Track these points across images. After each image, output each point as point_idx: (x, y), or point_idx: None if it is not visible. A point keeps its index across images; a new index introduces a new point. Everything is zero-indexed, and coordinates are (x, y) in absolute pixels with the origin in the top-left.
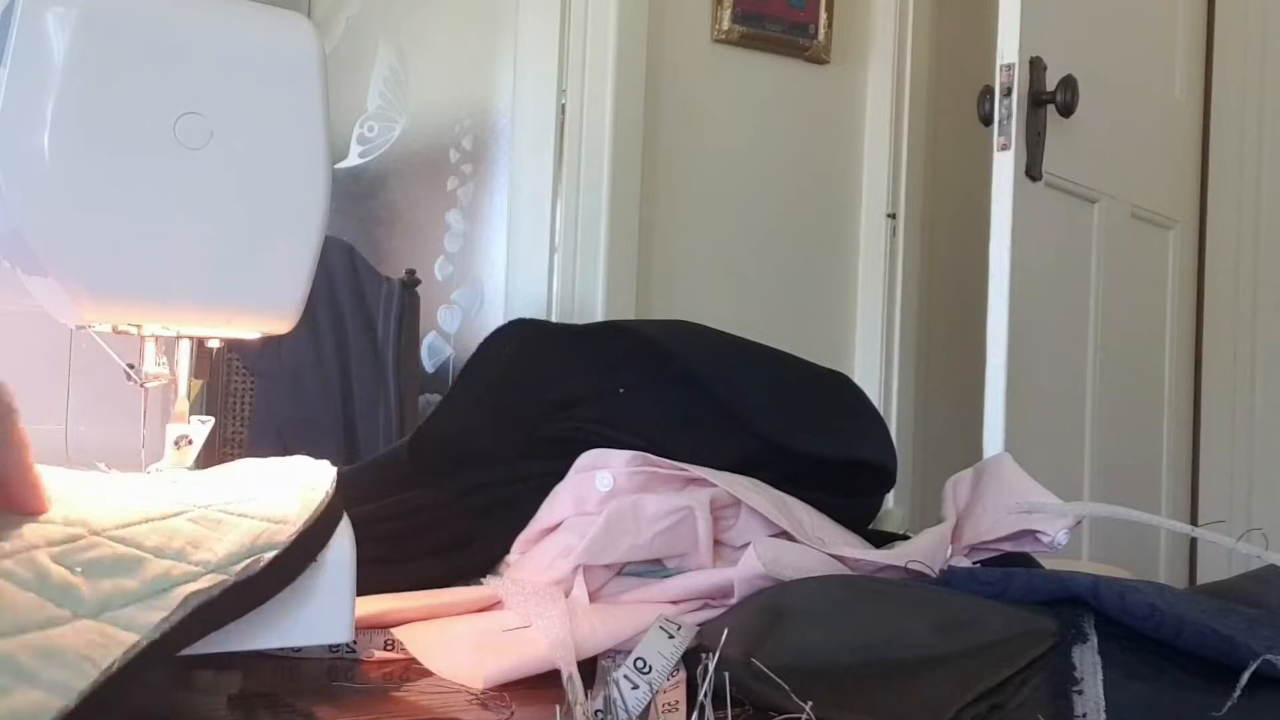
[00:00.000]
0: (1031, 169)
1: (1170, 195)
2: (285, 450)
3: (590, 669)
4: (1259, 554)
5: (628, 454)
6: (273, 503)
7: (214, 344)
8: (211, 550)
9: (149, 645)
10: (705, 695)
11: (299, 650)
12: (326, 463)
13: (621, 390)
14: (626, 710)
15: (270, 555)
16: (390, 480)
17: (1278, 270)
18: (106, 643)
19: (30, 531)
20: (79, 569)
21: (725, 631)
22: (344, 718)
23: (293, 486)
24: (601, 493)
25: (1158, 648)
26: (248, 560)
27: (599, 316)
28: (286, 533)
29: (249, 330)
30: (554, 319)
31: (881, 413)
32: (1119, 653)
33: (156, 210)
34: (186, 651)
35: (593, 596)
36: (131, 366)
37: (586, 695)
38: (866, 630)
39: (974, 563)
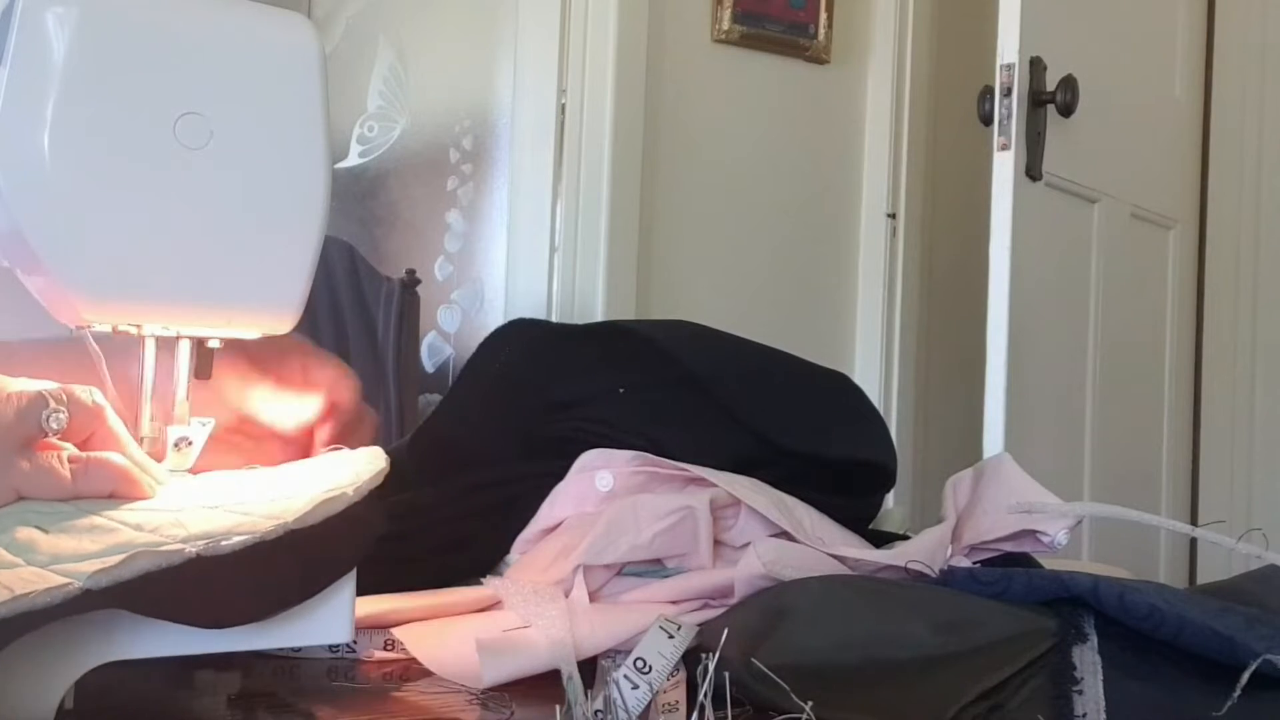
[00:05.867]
0: (1031, 169)
1: (1170, 195)
2: None
3: (590, 669)
4: (1259, 554)
5: (628, 454)
6: (280, 500)
7: (214, 344)
8: (191, 528)
9: (80, 590)
10: (705, 695)
11: (299, 650)
12: (378, 458)
13: (621, 390)
14: (626, 710)
15: (240, 539)
16: (390, 480)
17: (1278, 270)
18: (37, 580)
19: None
20: (52, 530)
21: (725, 631)
22: (344, 718)
23: (316, 488)
24: (601, 493)
25: (1158, 648)
26: (217, 539)
27: (599, 316)
28: (266, 526)
29: (249, 330)
30: (554, 319)
31: (881, 413)
32: (1119, 653)
33: (156, 210)
34: (187, 652)
35: (593, 596)
36: None
37: (586, 695)
38: (866, 630)
39: (974, 563)
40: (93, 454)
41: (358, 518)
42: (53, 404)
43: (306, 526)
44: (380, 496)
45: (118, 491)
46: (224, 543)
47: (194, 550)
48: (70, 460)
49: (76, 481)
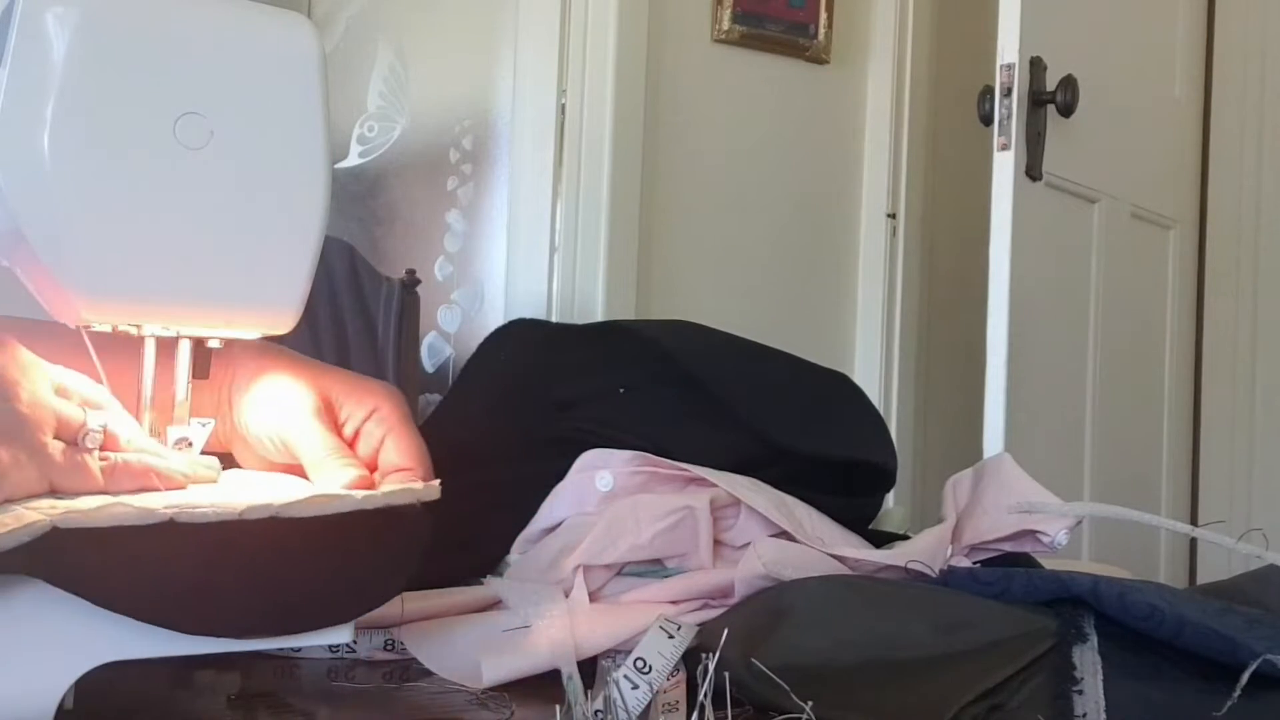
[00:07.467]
0: (1031, 169)
1: (1170, 195)
2: None
3: (590, 669)
4: (1259, 554)
5: (628, 454)
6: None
7: (214, 344)
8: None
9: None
10: (705, 695)
11: (299, 650)
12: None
13: (621, 390)
14: (626, 710)
15: (212, 508)
16: None
17: (1278, 270)
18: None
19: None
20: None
21: (725, 631)
22: (344, 718)
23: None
24: (601, 493)
25: (1158, 648)
26: (191, 508)
27: (599, 316)
28: (241, 507)
29: (249, 330)
30: (554, 319)
31: (881, 413)
32: (1119, 653)
33: (156, 210)
34: (187, 652)
35: (593, 596)
36: None
37: (586, 695)
38: (866, 630)
39: (974, 563)
40: (121, 456)
41: (357, 547)
42: (95, 428)
43: (292, 518)
44: (409, 555)
45: (146, 489)
46: (126, 509)
47: (87, 518)
48: (100, 458)
49: (106, 481)
